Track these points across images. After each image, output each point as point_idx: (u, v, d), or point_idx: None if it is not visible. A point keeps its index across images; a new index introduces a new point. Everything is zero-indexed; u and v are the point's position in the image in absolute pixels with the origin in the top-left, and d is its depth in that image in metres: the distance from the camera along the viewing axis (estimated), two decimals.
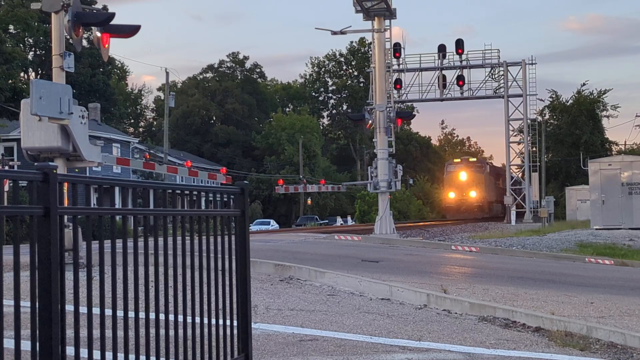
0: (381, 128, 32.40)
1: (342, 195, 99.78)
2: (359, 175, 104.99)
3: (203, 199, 6.70)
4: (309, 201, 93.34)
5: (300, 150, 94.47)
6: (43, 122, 14.01)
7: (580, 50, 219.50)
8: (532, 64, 64.64)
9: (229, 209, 6.75)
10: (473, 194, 77.71)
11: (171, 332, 5.54)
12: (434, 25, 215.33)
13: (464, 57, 62.10)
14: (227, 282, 6.54)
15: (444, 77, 63.05)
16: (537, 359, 8.28)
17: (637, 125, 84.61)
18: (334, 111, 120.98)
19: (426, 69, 63.59)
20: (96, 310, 4.73)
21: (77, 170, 16.95)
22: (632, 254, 28.17)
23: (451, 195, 79.14)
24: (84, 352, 4.54)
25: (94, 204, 5.06)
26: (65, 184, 4.62)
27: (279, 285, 12.73)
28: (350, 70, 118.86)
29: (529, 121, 65.53)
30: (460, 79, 62.11)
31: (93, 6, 52.10)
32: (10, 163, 49.23)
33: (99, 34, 15.84)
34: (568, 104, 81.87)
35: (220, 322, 6.33)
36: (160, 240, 5.61)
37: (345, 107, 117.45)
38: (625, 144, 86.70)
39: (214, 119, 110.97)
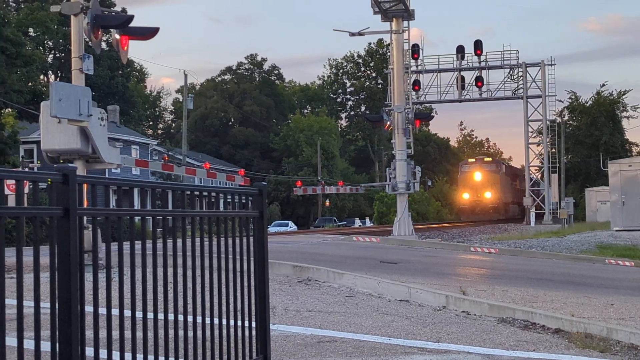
0: (399, 129, 32.39)
1: (360, 196, 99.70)
2: (377, 177, 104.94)
3: (221, 201, 6.71)
4: (327, 203, 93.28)
5: (319, 151, 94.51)
6: (62, 124, 14.09)
7: (599, 51, 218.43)
8: (551, 64, 64.39)
9: (247, 210, 6.75)
10: (488, 195, 74.13)
11: (190, 333, 5.55)
12: (452, 27, 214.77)
13: (482, 58, 61.92)
14: (246, 284, 6.54)
15: (463, 78, 62.75)
16: None
17: None
18: (352, 113, 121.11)
19: (444, 70, 63.47)
20: (115, 312, 4.75)
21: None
22: None
23: (465, 196, 75.62)
24: (103, 353, 4.56)
25: (113, 205, 5.08)
26: (85, 185, 4.64)
27: (298, 287, 12.73)
28: (369, 72, 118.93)
29: (548, 122, 65.17)
30: (478, 80, 61.87)
31: (112, 9, 52.35)
32: (30, 165, 49.55)
33: (117, 37, 15.92)
34: (587, 104, 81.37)
35: (239, 323, 6.34)
36: (179, 241, 5.62)
37: (363, 108, 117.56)
38: None
39: (232, 120, 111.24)
